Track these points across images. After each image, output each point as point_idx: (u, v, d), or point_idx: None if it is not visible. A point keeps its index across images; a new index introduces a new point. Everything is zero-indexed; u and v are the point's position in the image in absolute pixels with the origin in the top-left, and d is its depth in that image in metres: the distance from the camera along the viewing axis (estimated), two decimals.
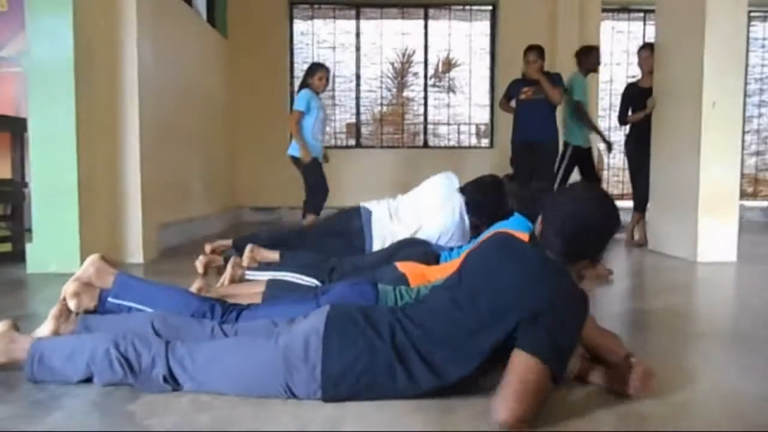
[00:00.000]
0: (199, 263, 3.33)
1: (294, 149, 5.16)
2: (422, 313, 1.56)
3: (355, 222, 3.46)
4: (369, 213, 3.48)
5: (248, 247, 3.24)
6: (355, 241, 3.40)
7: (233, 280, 2.79)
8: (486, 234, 2.65)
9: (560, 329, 1.40)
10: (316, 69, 5.17)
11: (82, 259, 3.54)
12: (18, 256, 3.78)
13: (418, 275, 2.38)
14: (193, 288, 2.49)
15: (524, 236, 2.06)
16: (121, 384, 1.58)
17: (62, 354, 1.60)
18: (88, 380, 1.60)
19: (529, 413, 1.34)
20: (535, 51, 5.18)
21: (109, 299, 1.95)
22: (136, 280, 2.06)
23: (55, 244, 3.57)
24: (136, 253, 4.05)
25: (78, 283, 1.96)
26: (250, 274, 2.81)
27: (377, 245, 3.36)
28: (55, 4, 3.57)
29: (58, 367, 1.59)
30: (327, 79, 5.21)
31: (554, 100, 5.18)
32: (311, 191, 5.16)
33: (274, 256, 3.27)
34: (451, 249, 3.04)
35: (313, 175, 5.13)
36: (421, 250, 2.93)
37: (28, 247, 3.63)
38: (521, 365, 1.36)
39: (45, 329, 1.86)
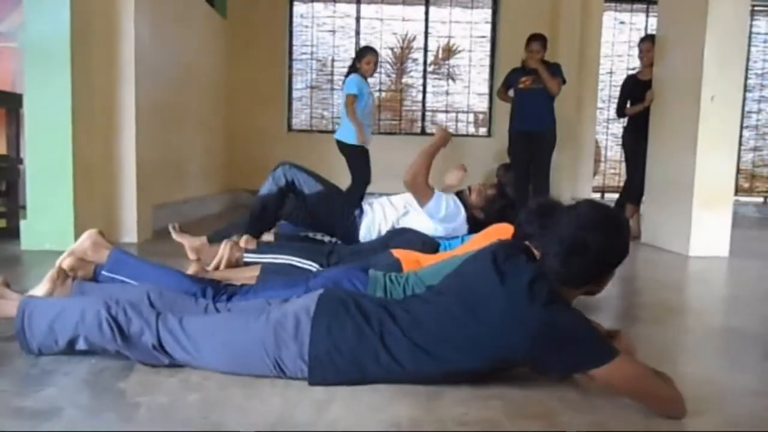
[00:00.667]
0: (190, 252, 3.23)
1: (343, 134, 5.01)
2: (416, 307, 1.57)
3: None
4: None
5: (243, 238, 3.23)
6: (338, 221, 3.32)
7: (230, 263, 2.79)
8: (489, 229, 2.66)
9: (576, 336, 1.40)
10: (365, 52, 5.05)
11: (77, 237, 3.55)
12: (13, 233, 3.77)
13: (412, 261, 2.40)
14: (189, 272, 2.50)
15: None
16: (108, 349, 1.58)
17: (52, 312, 1.59)
18: (72, 344, 1.58)
19: (669, 393, 1.39)
20: (539, 41, 5.15)
21: (103, 272, 1.96)
22: (131, 257, 2.08)
23: (49, 222, 3.56)
24: (130, 233, 4.05)
25: (73, 257, 1.97)
26: (248, 257, 2.81)
27: (364, 230, 3.31)
28: None
29: (46, 324, 1.58)
30: (375, 64, 5.08)
31: (552, 91, 5.17)
32: (357, 180, 5.02)
33: (268, 237, 3.27)
34: (450, 239, 3.05)
35: (361, 164, 4.99)
36: (420, 239, 2.94)
37: (23, 224, 3.62)
38: (612, 379, 1.39)
39: (40, 290, 1.87)
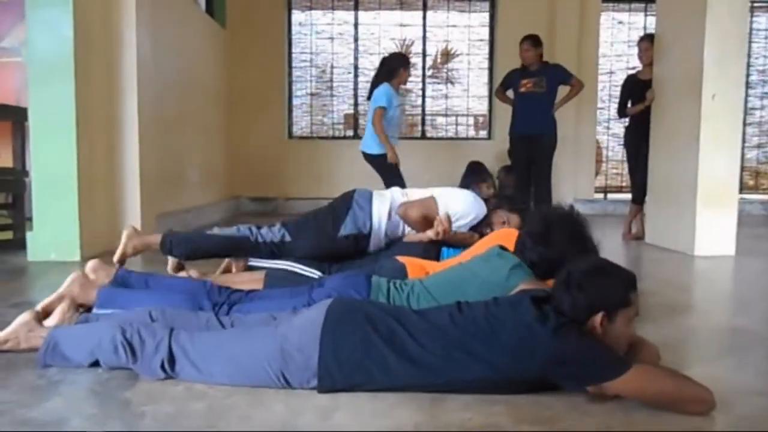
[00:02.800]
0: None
1: (367, 145, 4.86)
2: (434, 314, 1.60)
3: (347, 200, 2.89)
4: (368, 192, 2.96)
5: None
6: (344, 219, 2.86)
7: (235, 269, 2.81)
8: (491, 235, 2.64)
9: (585, 354, 1.45)
10: (404, 63, 4.84)
11: (82, 248, 3.60)
12: (19, 244, 3.80)
13: (417, 268, 2.39)
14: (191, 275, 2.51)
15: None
16: (124, 367, 1.63)
17: (74, 342, 1.68)
18: (96, 363, 1.67)
19: (693, 393, 1.43)
20: (528, 40, 5.16)
21: (94, 311, 1.98)
22: (120, 291, 2.09)
23: (55, 233, 3.59)
24: None
25: (63, 302, 1.98)
26: (253, 261, 2.82)
27: (376, 218, 2.85)
28: None
29: (69, 353, 1.67)
30: (408, 73, 4.86)
31: (579, 89, 5.24)
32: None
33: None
34: (452, 247, 3.02)
35: (392, 175, 4.78)
36: (421, 246, 2.93)
37: (29, 236, 3.65)
38: (626, 391, 1.44)
39: (50, 322, 1.93)
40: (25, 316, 1.81)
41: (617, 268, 1.58)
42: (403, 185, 4.46)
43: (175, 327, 1.66)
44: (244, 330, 1.65)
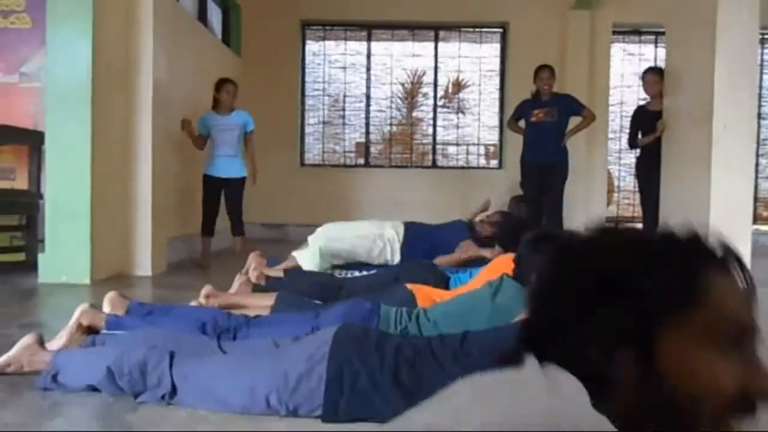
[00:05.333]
0: None
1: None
2: (429, 355, 1.55)
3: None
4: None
5: (252, 255, 3.29)
6: None
7: (252, 278, 2.84)
8: (495, 261, 2.63)
9: None
10: None
11: (93, 271, 3.62)
12: (31, 266, 3.84)
13: (426, 297, 2.38)
14: (202, 293, 2.51)
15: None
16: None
17: (74, 372, 1.67)
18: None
19: None
20: (548, 69, 5.21)
21: (102, 332, 1.98)
22: (127, 319, 2.10)
23: (66, 255, 3.62)
24: (144, 267, 4.09)
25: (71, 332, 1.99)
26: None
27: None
28: (75, 22, 3.68)
29: (69, 383, 1.66)
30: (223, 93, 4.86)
31: (591, 120, 5.28)
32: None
33: (278, 273, 3.28)
34: (459, 272, 3.02)
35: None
36: (430, 272, 2.92)
37: (41, 257, 3.69)
38: None
39: (56, 343, 1.94)
40: (27, 340, 1.80)
41: None
42: None
43: (176, 351, 1.64)
44: (247, 356, 1.63)
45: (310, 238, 3.72)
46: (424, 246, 3.64)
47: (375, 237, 3.68)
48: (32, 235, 4.10)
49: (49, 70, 3.77)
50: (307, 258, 3.55)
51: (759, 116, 7.62)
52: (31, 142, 4.24)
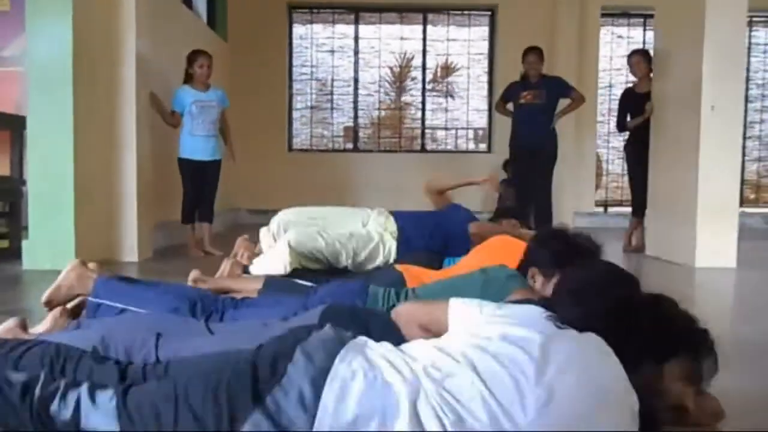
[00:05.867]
0: None
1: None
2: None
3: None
4: None
5: (239, 240, 3.25)
6: None
7: (235, 268, 2.79)
8: (490, 241, 2.59)
9: None
10: None
11: (77, 257, 3.55)
12: (15, 253, 3.79)
13: (415, 277, 2.36)
14: (190, 277, 2.48)
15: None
16: None
17: None
18: None
19: None
20: (536, 52, 5.17)
21: (90, 299, 1.94)
22: (117, 283, 2.05)
23: (50, 242, 3.57)
24: (130, 252, 4.05)
25: (59, 291, 1.95)
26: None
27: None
28: (55, 5, 3.61)
29: None
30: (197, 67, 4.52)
31: (581, 103, 5.25)
32: None
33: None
34: (453, 257, 2.99)
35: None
36: (425, 255, 2.90)
37: (25, 244, 3.64)
38: None
39: (41, 328, 1.91)
40: (9, 323, 1.76)
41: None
42: None
43: (163, 333, 1.61)
44: (235, 336, 1.61)
45: (274, 229, 3.19)
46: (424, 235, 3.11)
47: (364, 236, 3.00)
48: (15, 222, 4.04)
49: (29, 53, 3.69)
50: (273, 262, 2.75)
51: (746, 99, 7.66)
52: (12, 127, 4.17)
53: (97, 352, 1.38)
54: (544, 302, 1.44)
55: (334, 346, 1.11)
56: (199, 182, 4.48)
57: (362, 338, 1.18)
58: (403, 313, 1.49)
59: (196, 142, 4.44)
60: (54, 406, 1.07)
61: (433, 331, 1.36)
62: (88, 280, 1.99)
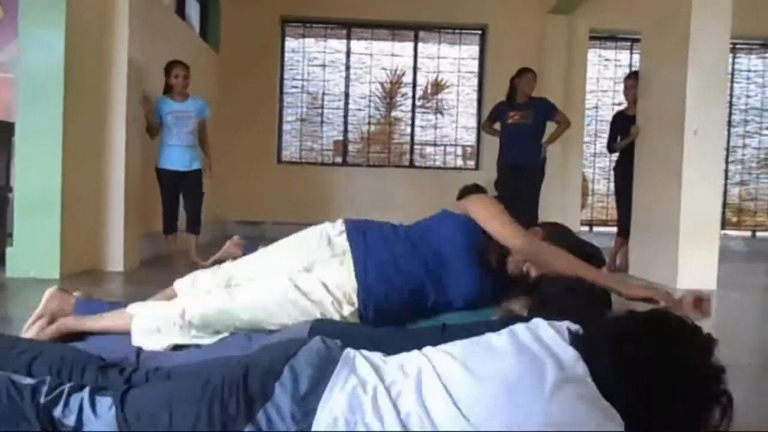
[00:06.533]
0: None
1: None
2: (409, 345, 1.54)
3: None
4: None
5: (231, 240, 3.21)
6: None
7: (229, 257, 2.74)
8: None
9: None
10: None
11: (62, 266, 3.55)
12: (0, 260, 3.75)
13: None
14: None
15: None
16: None
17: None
18: None
19: None
20: (532, 72, 5.27)
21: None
22: (98, 305, 2.04)
23: (36, 250, 3.55)
24: (116, 262, 4.03)
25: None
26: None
27: None
28: (48, 13, 3.61)
29: None
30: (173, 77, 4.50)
31: (567, 125, 5.30)
32: None
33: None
34: None
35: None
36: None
37: (9, 252, 3.60)
38: None
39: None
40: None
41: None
42: None
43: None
44: (219, 349, 1.61)
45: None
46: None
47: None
48: (1, 229, 4.00)
49: (22, 60, 3.69)
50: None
51: (729, 124, 7.82)
52: (1, 134, 4.14)
53: (104, 360, 1.39)
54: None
55: (322, 364, 1.12)
56: (177, 192, 4.47)
57: (351, 353, 1.18)
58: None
59: (172, 152, 4.42)
60: (57, 412, 1.09)
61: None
62: (68, 305, 1.98)
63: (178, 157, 4.42)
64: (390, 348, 1.51)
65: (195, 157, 4.55)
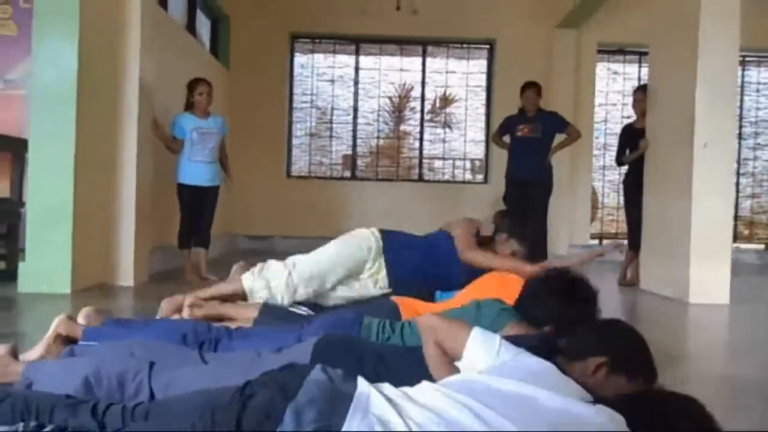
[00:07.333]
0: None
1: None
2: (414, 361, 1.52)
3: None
4: None
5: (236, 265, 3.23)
6: None
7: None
8: (485, 278, 2.58)
9: None
10: None
11: (74, 281, 3.57)
12: (12, 275, 3.77)
13: (411, 310, 2.36)
14: (186, 302, 2.46)
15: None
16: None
17: (50, 381, 1.59)
18: None
19: None
20: (534, 88, 5.28)
21: (80, 342, 1.94)
22: (105, 329, 2.06)
23: (47, 265, 3.57)
24: (126, 276, 4.05)
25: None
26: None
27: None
28: (61, 28, 3.67)
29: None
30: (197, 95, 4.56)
31: (576, 137, 5.32)
32: None
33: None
34: (445, 290, 2.99)
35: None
36: (416, 287, 2.89)
37: (21, 267, 3.63)
38: None
39: (34, 354, 1.90)
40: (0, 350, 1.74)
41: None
42: None
43: (156, 361, 1.61)
44: (229, 367, 1.61)
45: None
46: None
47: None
48: (13, 244, 4.04)
49: (34, 76, 3.74)
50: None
51: (739, 136, 7.78)
52: (13, 149, 4.20)
53: (72, 398, 1.37)
54: (543, 339, 1.47)
55: (325, 405, 1.09)
56: (197, 208, 4.50)
57: (364, 394, 1.14)
58: (426, 324, 1.49)
59: (195, 168, 4.47)
60: None
61: (448, 352, 1.40)
62: (77, 333, 2.00)
63: (202, 173, 4.48)
64: (396, 364, 1.51)
65: (216, 173, 4.61)
